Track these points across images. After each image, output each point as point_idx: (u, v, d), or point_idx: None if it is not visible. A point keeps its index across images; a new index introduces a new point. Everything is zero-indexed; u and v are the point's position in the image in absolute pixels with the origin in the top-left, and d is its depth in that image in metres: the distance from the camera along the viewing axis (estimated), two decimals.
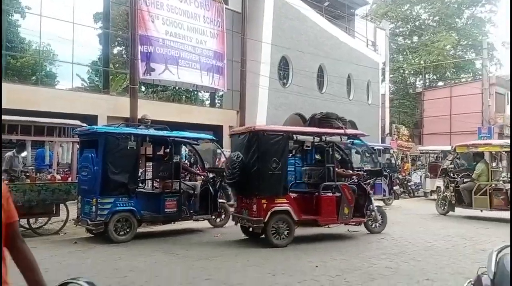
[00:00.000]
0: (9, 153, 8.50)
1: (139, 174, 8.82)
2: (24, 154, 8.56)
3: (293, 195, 7.76)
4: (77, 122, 8.73)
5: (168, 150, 8.44)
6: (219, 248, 6.97)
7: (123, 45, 23.84)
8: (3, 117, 11.05)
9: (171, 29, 16.81)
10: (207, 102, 23.58)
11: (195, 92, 25.05)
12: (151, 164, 9.38)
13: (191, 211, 8.22)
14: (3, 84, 14.76)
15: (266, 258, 6.15)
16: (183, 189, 8.19)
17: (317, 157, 8.46)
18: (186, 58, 17.24)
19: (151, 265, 5.71)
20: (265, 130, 7.33)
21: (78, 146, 8.38)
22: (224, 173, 9.33)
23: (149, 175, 9.29)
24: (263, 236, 7.19)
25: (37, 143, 8.84)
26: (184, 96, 25.21)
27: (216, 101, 22.91)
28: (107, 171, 7.24)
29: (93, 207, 7.17)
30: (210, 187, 8.54)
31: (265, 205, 6.96)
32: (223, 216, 9.00)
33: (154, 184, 9.01)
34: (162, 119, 13.46)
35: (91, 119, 13.37)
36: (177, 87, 21.98)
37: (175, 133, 8.54)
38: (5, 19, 19.71)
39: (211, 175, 8.94)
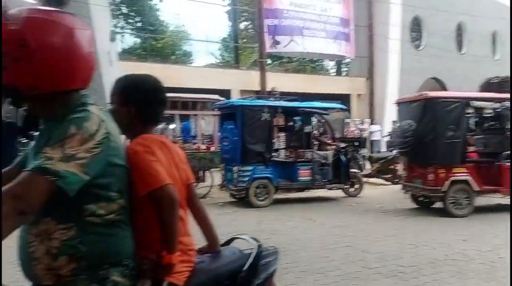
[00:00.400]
0: (161, 125, 9.58)
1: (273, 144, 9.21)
2: (172, 126, 9.58)
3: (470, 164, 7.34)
4: (217, 96, 9.42)
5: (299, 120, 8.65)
6: (355, 216, 7.00)
7: (249, 20, 24.59)
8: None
9: (295, 0, 16.78)
10: (333, 71, 23.22)
11: (320, 61, 24.81)
12: (283, 134, 9.69)
13: (324, 180, 8.37)
14: (149, 64, 16.55)
15: (406, 228, 6.01)
16: (315, 158, 8.36)
17: (493, 124, 7.72)
18: (311, 28, 17.12)
19: (290, 229, 6.02)
20: (441, 97, 7.09)
21: (218, 118, 9.08)
22: (356, 142, 9.25)
23: (282, 144, 9.61)
24: (433, 206, 7.12)
25: (183, 116, 9.79)
26: (309, 66, 25.21)
27: (343, 69, 22.39)
28: (245, 141, 7.74)
29: (235, 174, 7.77)
30: (341, 157, 8.56)
31: (443, 174, 6.77)
32: (356, 186, 8.97)
33: (287, 154, 9.33)
34: (289, 90, 13.74)
35: (225, 93, 14.25)
36: (302, 58, 22.03)
37: (305, 104, 8.69)
38: (146, 4, 21.87)
39: (342, 145, 8.94)
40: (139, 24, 23.43)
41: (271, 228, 6.11)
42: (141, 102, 1.54)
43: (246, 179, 7.69)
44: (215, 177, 8.89)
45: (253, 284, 1.59)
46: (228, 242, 1.86)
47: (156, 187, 1.38)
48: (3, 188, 1.09)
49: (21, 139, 8.15)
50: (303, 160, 8.34)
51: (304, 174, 8.18)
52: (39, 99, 1.29)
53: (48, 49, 1.23)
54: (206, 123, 9.54)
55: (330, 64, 24.39)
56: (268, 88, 14.46)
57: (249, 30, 24.64)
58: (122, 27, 21.25)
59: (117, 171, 1.32)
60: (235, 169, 7.79)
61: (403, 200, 7.82)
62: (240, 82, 16.21)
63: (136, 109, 1.53)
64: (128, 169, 1.38)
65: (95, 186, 1.25)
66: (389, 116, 13.60)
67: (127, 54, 20.25)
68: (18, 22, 1.21)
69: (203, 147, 9.12)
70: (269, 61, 24.50)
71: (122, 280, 1.31)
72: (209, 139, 10.36)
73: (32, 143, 1.39)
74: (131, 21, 23.71)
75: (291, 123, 9.06)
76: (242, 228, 6.05)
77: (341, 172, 8.49)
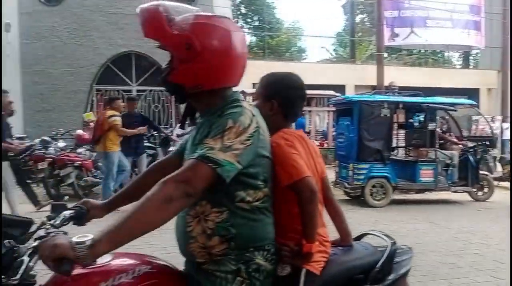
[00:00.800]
0: None
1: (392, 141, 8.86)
2: None
3: None
4: (332, 92, 9.38)
5: (422, 117, 8.17)
6: (484, 222, 6.40)
7: (365, 13, 23.85)
8: None
9: None
10: (459, 63, 21.39)
11: (443, 54, 23.09)
12: (403, 131, 9.25)
13: (449, 182, 7.81)
14: (265, 61, 17.07)
15: None
16: (439, 158, 7.83)
17: None
18: (435, 17, 16.00)
19: (411, 232, 5.75)
20: None
21: (333, 115, 9.03)
22: (486, 142, 8.44)
23: (402, 142, 9.18)
24: None
25: None
26: (430, 59, 23.58)
27: (470, 61, 20.49)
28: (362, 138, 7.54)
29: (350, 171, 7.64)
30: (470, 157, 7.89)
31: None
32: (485, 189, 8.20)
33: (407, 152, 8.90)
34: (408, 85, 13.02)
35: (340, 89, 14.07)
36: (423, 50, 20.69)
37: (429, 99, 8.17)
38: (263, 3, 22.53)
39: (470, 144, 8.24)
40: (256, 23, 24.29)
41: (389, 228, 5.89)
42: (283, 98, 1.64)
43: (362, 177, 7.51)
44: (328, 174, 8.83)
45: (386, 281, 1.58)
46: (359, 238, 1.87)
47: (297, 178, 1.45)
48: (172, 174, 1.24)
49: (152, 133, 9.09)
50: (425, 159, 7.86)
51: (426, 174, 7.71)
52: (200, 95, 1.45)
53: (210, 51, 1.38)
54: (320, 120, 9.56)
55: (455, 56, 22.48)
56: (386, 83, 13.87)
57: (365, 23, 23.89)
58: (241, 27, 22.29)
59: (263, 162, 1.42)
60: (350, 166, 7.65)
61: None
62: (355, 77, 15.85)
63: (279, 105, 1.63)
64: (271, 160, 1.48)
65: (245, 175, 1.36)
66: None
67: None
68: (185, 28, 1.37)
69: (317, 143, 9.15)
70: (385, 55, 23.51)
71: (264, 263, 1.41)
72: (322, 136, 10.37)
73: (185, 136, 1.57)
74: (249, 20, 24.68)
75: (412, 120, 8.62)
76: (358, 227, 5.94)
77: (468, 174, 7.83)
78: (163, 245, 4.36)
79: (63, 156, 7.77)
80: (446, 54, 22.29)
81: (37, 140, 9.25)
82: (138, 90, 13.25)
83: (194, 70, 1.40)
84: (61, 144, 9.23)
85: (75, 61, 12.62)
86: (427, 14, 15.78)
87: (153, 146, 9.55)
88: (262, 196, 1.42)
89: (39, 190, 8.22)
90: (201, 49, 1.37)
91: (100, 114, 6.86)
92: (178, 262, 1.55)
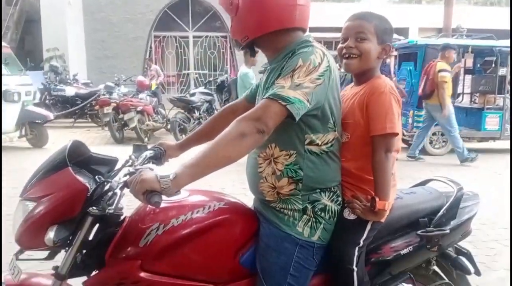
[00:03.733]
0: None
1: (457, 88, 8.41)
2: None
3: None
4: (395, 36, 8.88)
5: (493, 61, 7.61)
6: None
7: None
8: (324, 34, 12.36)
9: None
10: None
11: None
12: (469, 76, 8.72)
13: None
14: (320, 3, 16.37)
15: None
16: (507, 105, 7.37)
17: None
18: None
19: (470, 181, 5.55)
20: None
21: (394, 59, 8.64)
22: None
23: (468, 89, 8.68)
24: None
25: None
26: None
27: None
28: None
29: (410, 118, 7.42)
30: None
31: None
32: None
33: (473, 99, 8.44)
34: (478, 27, 12.06)
35: (402, 32, 13.31)
36: None
37: (502, 42, 7.56)
38: None
39: None
40: None
41: (454, 175, 5.77)
42: (389, 43, 1.58)
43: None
44: None
45: (449, 226, 1.61)
46: (424, 183, 1.89)
47: (390, 132, 1.45)
48: (245, 114, 1.31)
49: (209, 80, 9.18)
50: (492, 106, 7.44)
51: (492, 122, 7.34)
52: (265, 43, 1.50)
53: (245, 0, 1.43)
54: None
55: None
56: (453, 25, 12.89)
57: None
58: None
59: (333, 103, 1.44)
60: (410, 113, 7.42)
61: None
62: (419, 19, 14.88)
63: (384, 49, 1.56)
64: (341, 102, 1.50)
65: (315, 117, 1.40)
66: None
67: None
68: None
69: None
70: None
71: (330, 204, 1.49)
72: None
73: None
74: None
75: (482, 65, 8.07)
76: (416, 175, 5.87)
77: None
78: (221, 186, 4.61)
79: (126, 101, 8.15)
80: None
81: (101, 86, 9.75)
82: (194, 36, 13.34)
83: (238, 22, 1.48)
84: (124, 89, 9.67)
85: (134, 7, 12.84)
86: None
87: (210, 92, 9.72)
88: (331, 139, 1.46)
89: (105, 133, 8.79)
90: (238, 1, 1.43)
91: (430, 66, 6.61)
92: (247, 200, 1.67)
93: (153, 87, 10.81)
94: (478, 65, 8.32)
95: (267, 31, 1.45)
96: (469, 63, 8.56)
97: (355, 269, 1.49)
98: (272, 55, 1.53)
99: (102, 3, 12.72)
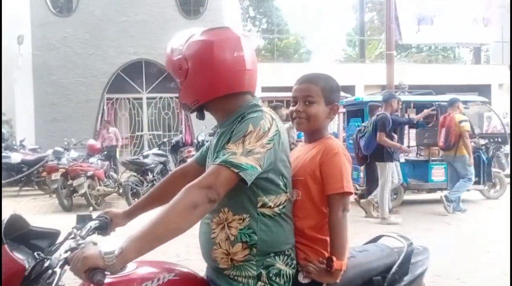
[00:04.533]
0: (287, 125, 9.83)
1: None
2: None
3: None
4: (342, 93, 9.35)
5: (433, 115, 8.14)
6: (496, 220, 6.36)
7: (374, 11, 23.75)
8: (276, 94, 12.78)
9: None
10: (470, 59, 21.20)
11: (453, 50, 22.89)
12: (414, 130, 9.21)
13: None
14: (272, 64, 17.13)
15: None
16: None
17: None
18: (445, 14, 15.86)
19: (423, 232, 5.73)
20: None
21: (343, 116, 9.03)
22: (498, 139, 8.38)
23: (413, 142, 9.14)
24: None
25: None
26: (440, 55, 23.43)
27: (482, 57, 20.27)
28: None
29: (361, 173, 7.63)
30: (482, 155, 7.83)
31: None
32: (498, 187, 8.14)
33: (418, 151, 8.86)
34: (418, 83, 12.95)
35: (349, 89, 14.05)
36: (433, 47, 20.56)
37: (440, 97, 8.14)
38: (271, 5, 22.60)
39: (482, 142, 8.18)
40: (264, 26, 24.37)
41: (401, 229, 5.88)
42: (336, 103, 1.64)
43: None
44: None
45: (402, 282, 1.61)
46: (375, 239, 1.91)
47: (346, 190, 1.48)
48: (196, 180, 1.29)
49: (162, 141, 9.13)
50: (436, 158, 7.83)
51: (437, 174, 7.67)
52: (214, 107, 1.52)
53: (195, 65, 1.45)
54: (333, 121, 9.55)
55: (466, 52, 22.31)
56: (396, 82, 13.80)
57: (375, 22, 23.81)
58: (249, 30, 22.35)
59: (284, 166, 1.46)
60: (361, 167, 7.65)
61: None
62: (365, 77, 15.81)
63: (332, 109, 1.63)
64: (291, 164, 1.52)
65: (266, 180, 1.41)
66: None
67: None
68: (179, 51, 1.49)
69: None
70: (394, 53, 23.37)
71: (284, 268, 1.46)
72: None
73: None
74: (257, 23, 24.76)
75: (424, 119, 8.58)
76: (370, 229, 5.95)
77: (480, 172, 7.76)
78: (176, 253, 4.43)
79: (75, 166, 7.87)
80: (456, 50, 22.14)
81: (49, 151, 9.42)
82: (148, 98, 13.39)
83: (187, 87, 1.49)
84: (74, 154, 9.38)
85: (86, 70, 12.81)
86: (435, 11, 15.69)
87: (164, 153, 9.64)
88: (283, 201, 1.46)
89: (52, 201, 8.38)
90: (187, 66, 1.46)
91: (447, 119, 6.91)
92: (194, 268, 1.61)
93: (118, 154, 10.67)
94: (421, 119, 8.84)
95: (218, 95, 1.47)
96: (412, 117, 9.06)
97: None
98: (222, 118, 1.54)
99: (53, 66, 12.62)
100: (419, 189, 8.08)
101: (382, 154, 6.39)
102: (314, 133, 1.63)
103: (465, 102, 8.25)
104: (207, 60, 1.44)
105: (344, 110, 8.87)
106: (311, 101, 1.58)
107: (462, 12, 15.78)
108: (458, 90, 13.27)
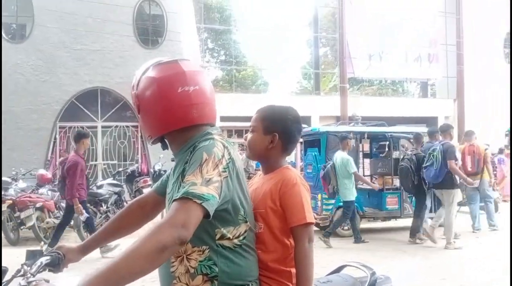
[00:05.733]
0: (243, 155, 9.90)
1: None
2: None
3: None
4: None
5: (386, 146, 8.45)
6: (444, 250, 6.60)
7: (327, 46, 24.71)
8: (235, 124, 12.87)
9: (378, 22, 16.59)
10: (417, 93, 22.38)
11: (403, 83, 24.10)
12: (368, 160, 9.51)
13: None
14: (231, 94, 17.31)
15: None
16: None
17: None
18: (393, 51, 16.78)
19: (380, 260, 5.83)
20: None
21: (300, 146, 9.19)
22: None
23: (367, 171, 9.43)
24: None
25: None
26: (390, 89, 24.59)
27: (429, 91, 21.46)
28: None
29: (319, 202, 7.74)
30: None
31: None
32: None
33: (373, 180, 9.11)
34: (370, 115, 13.50)
35: (305, 120, 14.39)
36: (383, 81, 21.59)
37: (393, 128, 8.49)
38: (229, 38, 23.14)
39: None
40: (222, 57, 24.71)
41: (359, 257, 5.97)
42: (284, 132, 1.61)
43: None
44: None
45: None
46: (338, 270, 1.91)
47: (309, 221, 1.48)
48: (165, 219, 1.20)
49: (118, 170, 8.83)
50: (390, 187, 8.08)
51: (391, 202, 7.90)
52: (171, 138, 1.52)
53: (146, 101, 1.48)
54: None
55: (414, 85, 23.58)
56: (349, 113, 14.34)
57: (328, 56, 24.75)
58: (208, 61, 22.60)
59: (241, 194, 1.42)
60: (319, 196, 7.76)
61: None
62: (320, 108, 16.27)
63: (279, 138, 1.60)
64: (247, 192, 1.50)
65: (223, 210, 1.36)
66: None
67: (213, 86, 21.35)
68: (134, 87, 1.53)
69: None
70: (347, 85, 24.33)
71: None
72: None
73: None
74: (215, 55, 25.08)
75: (377, 149, 8.89)
76: (328, 258, 5.99)
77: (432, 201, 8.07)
78: (142, 283, 4.24)
79: (24, 197, 7.47)
80: (405, 84, 23.33)
81: None
82: (103, 126, 13.06)
83: (142, 121, 1.54)
84: (22, 184, 8.89)
85: (39, 98, 12.36)
86: (384, 48, 16.57)
87: (119, 183, 9.36)
88: (243, 232, 1.43)
89: None
90: (139, 103, 1.50)
91: (471, 148, 7.75)
92: None
93: None
94: (374, 149, 9.16)
95: (167, 131, 1.48)
96: (366, 147, 9.38)
97: None
98: (176, 149, 1.53)
99: (4, 94, 12.09)
100: (375, 217, 8.28)
101: (451, 181, 6.68)
102: (268, 164, 1.63)
103: (413, 133, 8.66)
104: (152, 97, 1.45)
105: (301, 140, 9.02)
106: (252, 130, 1.65)
107: (409, 49, 16.76)
108: (408, 122, 13.92)
